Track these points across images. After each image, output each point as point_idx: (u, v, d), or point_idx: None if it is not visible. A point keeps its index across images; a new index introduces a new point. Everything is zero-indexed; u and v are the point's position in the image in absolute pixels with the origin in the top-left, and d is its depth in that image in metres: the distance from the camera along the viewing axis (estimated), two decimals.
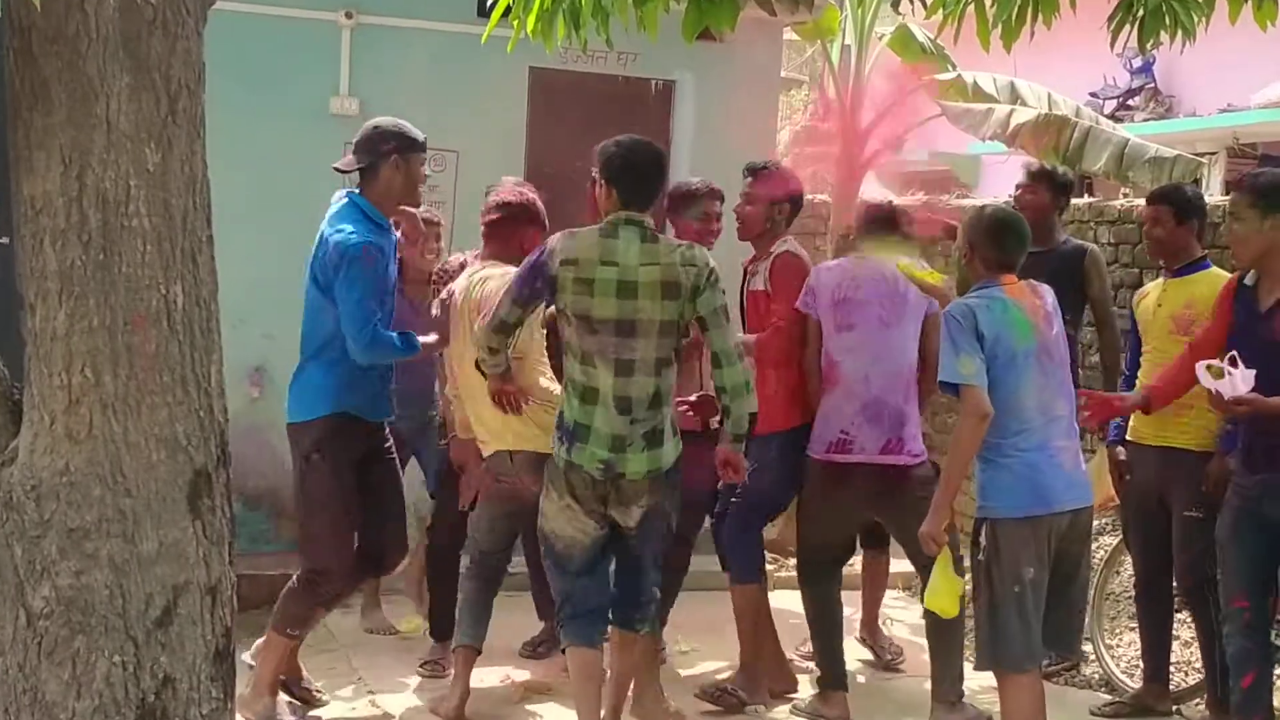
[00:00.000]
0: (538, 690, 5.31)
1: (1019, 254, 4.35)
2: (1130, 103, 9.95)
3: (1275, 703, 4.61)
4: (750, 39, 7.12)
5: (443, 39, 6.95)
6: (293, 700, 5.00)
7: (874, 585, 5.95)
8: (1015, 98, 7.40)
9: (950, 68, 7.86)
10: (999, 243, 4.29)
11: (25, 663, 3.02)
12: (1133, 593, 5.83)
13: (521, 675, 5.46)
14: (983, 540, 4.19)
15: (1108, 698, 5.42)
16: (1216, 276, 4.97)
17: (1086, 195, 8.35)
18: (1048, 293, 4.40)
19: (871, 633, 5.96)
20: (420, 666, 5.48)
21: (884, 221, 5.17)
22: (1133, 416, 5.12)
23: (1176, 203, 5.15)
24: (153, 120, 3.02)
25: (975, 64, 7.18)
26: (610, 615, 4.42)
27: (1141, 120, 9.52)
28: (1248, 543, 4.35)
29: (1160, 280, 5.29)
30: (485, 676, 5.36)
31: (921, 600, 4.65)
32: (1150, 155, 6.54)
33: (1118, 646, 5.72)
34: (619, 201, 4.22)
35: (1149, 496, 5.08)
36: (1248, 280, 4.48)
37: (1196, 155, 7.40)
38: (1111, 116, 9.16)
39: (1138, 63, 9.70)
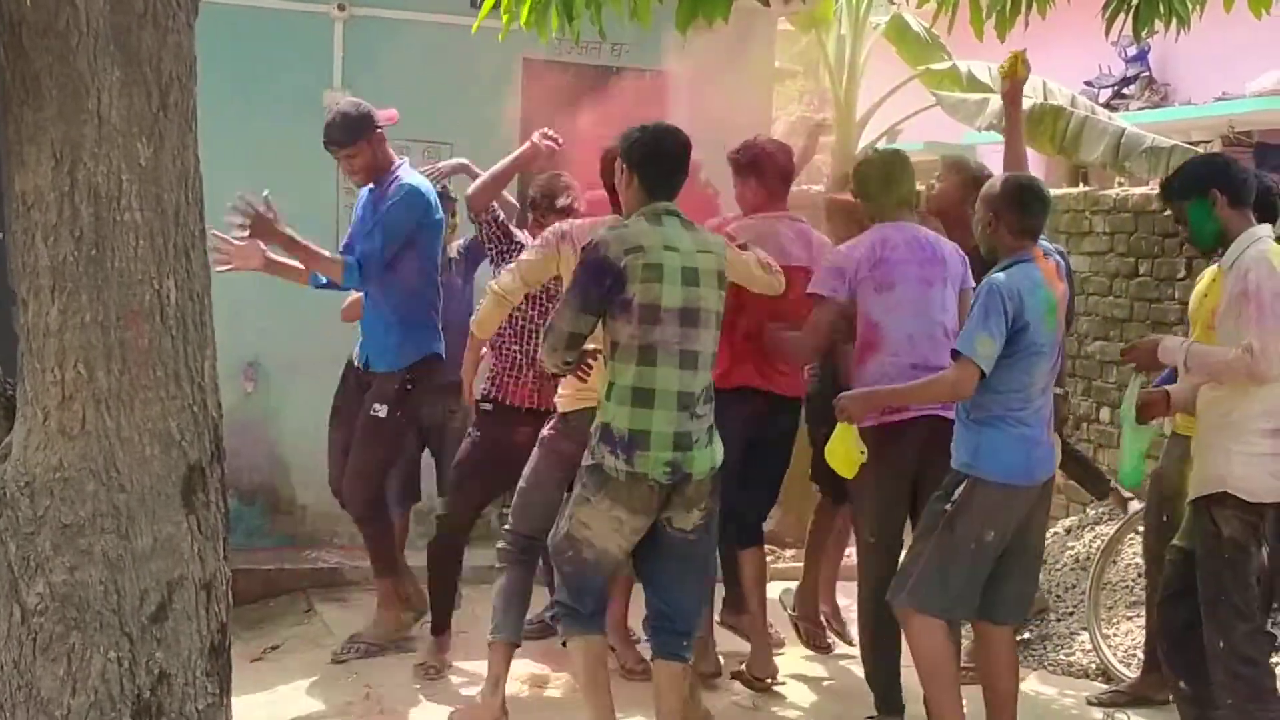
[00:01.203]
0: (537, 684, 5.30)
1: (1043, 217, 4.36)
2: (1125, 91, 9.91)
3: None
4: (744, 29, 7.11)
5: (435, 30, 6.94)
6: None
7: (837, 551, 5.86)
8: None
9: (945, 57, 7.87)
10: (1024, 207, 4.28)
11: (20, 659, 3.00)
12: (1129, 582, 5.84)
13: (519, 666, 5.44)
14: (956, 493, 4.22)
15: (1104, 686, 5.42)
16: None
17: (1081, 184, 8.34)
18: (1063, 268, 4.46)
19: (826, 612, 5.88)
20: (417, 667, 5.40)
21: (890, 177, 4.89)
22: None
23: None
24: (144, 114, 3.00)
25: (970, 53, 7.17)
26: (654, 647, 4.22)
27: (1137, 109, 9.48)
28: None
29: (1215, 267, 5.15)
30: (480, 668, 5.36)
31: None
32: (1147, 145, 6.54)
33: (1114, 636, 5.72)
34: (641, 190, 4.12)
35: (1171, 483, 5.01)
36: None
37: (1192, 144, 7.41)
38: (1107, 105, 9.14)
39: (1133, 51, 9.66)
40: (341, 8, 6.91)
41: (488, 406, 5.21)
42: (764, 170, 5.27)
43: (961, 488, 4.23)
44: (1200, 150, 7.29)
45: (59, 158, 2.95)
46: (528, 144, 5.37)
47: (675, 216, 4.10)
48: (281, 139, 6.67)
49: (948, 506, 4.24)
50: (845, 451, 4.44)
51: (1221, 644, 4.10)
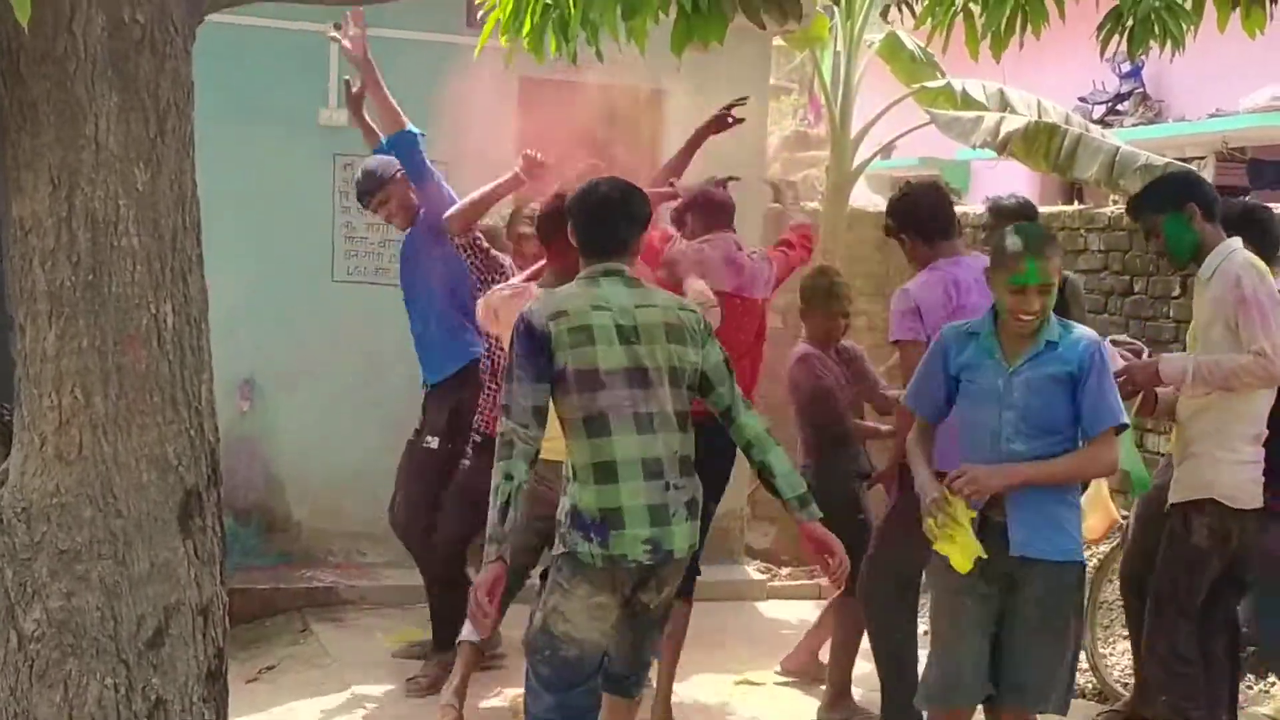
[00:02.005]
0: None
1: None
2: (1119, 107, 9.96)
3: None
4: (739, 47, 7.12)
5: (432, 50, 6.93)
6: None
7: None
8: (1005, 105, 7.42)
9: (939, 75, 7.89)
10: None
11: (16, 686, 3.00)
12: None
13: (515, 691, 5.43)
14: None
15: (1101, 706, 5.41)
16: None
17: (1076, 202, 8.36)
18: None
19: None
20: (408, 682, 5.39)
21: (938, 206, 4.60)
22: None
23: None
24: (141, 140, 3.01)
25: (964, 70, 7.19)
26: (607, 686, 3.90)
27: (1130, 125, 9.52)
28: None
29: None
30: (478, 689, 5.35)
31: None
32: (1141, 163, 6.55)
33: (1110, 655, 5.72)
34: (580, 250, 3.87)
35: (1159, 501, 4.97)
36: None
37: (1185, 160, 7.43)
38: (1100, 121, 9.17)
39: (1126, 67, 9.70)
40: (338, 27, 6.91)
41: (478, 438, 5.28)
42: (696, 207, 5.29)
43: (1078, 576, 3.81)
44: (1194, 167, 7.32)
45: (56, 183, 2.96)
46: (511, 174, 5.29)
47: (617, 276, 3.80)
48: (278, 158, 6.67)
49: (1085, 601, 3.93)
50: (966, 542, 3.73)
51: (1164, 644, 4.29)
